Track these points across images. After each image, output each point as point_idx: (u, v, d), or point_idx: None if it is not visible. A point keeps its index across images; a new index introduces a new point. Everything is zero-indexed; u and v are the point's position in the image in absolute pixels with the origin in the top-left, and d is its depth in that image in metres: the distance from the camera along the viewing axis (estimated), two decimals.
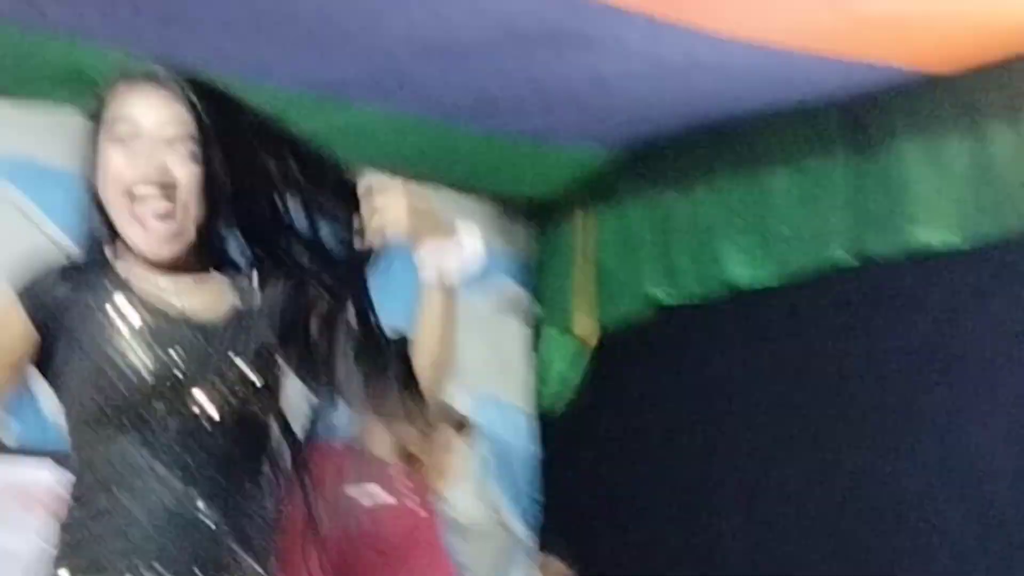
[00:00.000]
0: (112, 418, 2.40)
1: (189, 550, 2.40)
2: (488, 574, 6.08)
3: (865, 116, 5.49)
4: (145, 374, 2.41)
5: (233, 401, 2.45)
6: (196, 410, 2.43)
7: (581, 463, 6.38)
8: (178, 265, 2.49)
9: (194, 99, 2.44)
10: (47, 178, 4.97)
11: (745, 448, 6.27)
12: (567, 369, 6.28)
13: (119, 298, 2.46)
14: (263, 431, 2.50)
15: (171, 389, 2.42)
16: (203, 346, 2.45)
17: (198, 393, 2.43)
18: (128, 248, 2.49)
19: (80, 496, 2.44)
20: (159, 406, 2.41)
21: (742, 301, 5.87)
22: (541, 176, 5.98)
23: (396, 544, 4.91)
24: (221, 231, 2.50)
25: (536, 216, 6.32)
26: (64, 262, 2.50)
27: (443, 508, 5.30)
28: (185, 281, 2.51)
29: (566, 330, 6.24)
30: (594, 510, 6.37)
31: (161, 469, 2.40)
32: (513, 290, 6.29)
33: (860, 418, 6.01)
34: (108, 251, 2.51)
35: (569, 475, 6.29)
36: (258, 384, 2.47)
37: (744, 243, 5.77)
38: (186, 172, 2.43)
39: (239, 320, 2.50)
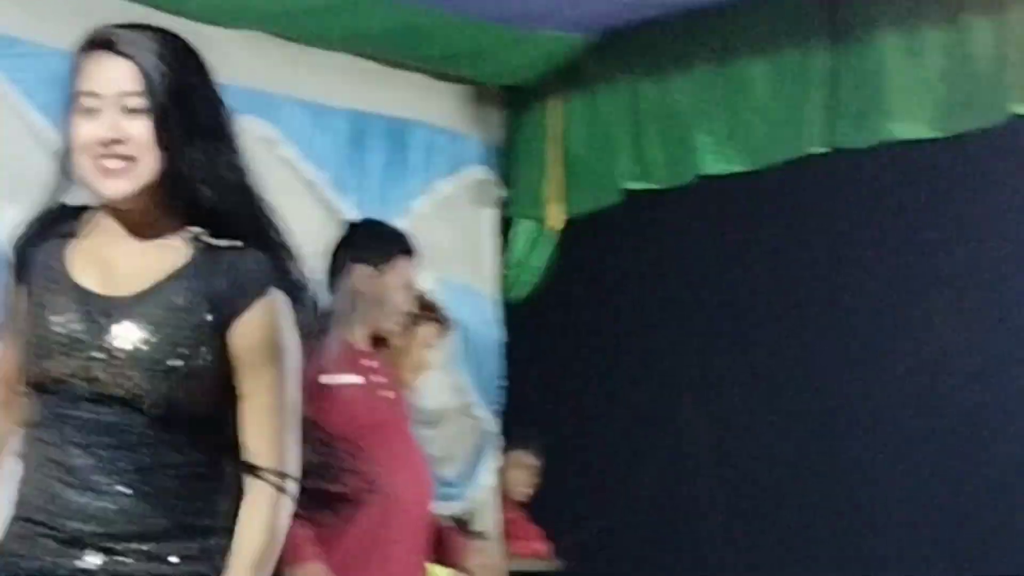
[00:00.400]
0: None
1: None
2: (456, 461, 6.10)
3: (844, 7, 5.46)
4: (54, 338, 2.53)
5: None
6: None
7: (546, 349, 6.40)
8: (141, 230, 2.57)
9: (139, 52, 2.52)
10: (23, 55, 4.95)
11: (710, 334, 6.30)
12: (534, 255, 6.28)
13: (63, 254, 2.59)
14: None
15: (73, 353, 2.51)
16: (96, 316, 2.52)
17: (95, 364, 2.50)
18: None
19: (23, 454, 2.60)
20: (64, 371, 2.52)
21: (710, 188, 5.86)
22: (514, 62, 5.93)
23: (362, 423, 4.92)
24: (188, 186, 2.53)
25: (508, 102, 6.28)
26: (44, 214, 2.62)
27: (412, 396, 5.31)
28: (138, 247, 2.57)
29: (535, 216, 6.23)
30: (558, 396, 6.40)
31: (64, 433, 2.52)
32: (483, 176, 6.26)
33: (826, 304, 6.05)
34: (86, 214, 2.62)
35: (534, 361, 6.30)
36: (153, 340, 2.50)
37: (717, 131, 5.76)
38: (136, 125, 2.51)
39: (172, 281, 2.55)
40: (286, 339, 2.57)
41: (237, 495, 2.56)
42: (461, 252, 6.09)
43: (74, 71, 2.56)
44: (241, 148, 2.61)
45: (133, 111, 2.51)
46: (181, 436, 2.51)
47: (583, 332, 6.45)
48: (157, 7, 5.08)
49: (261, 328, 2.54)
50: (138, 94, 2.50)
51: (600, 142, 6.06)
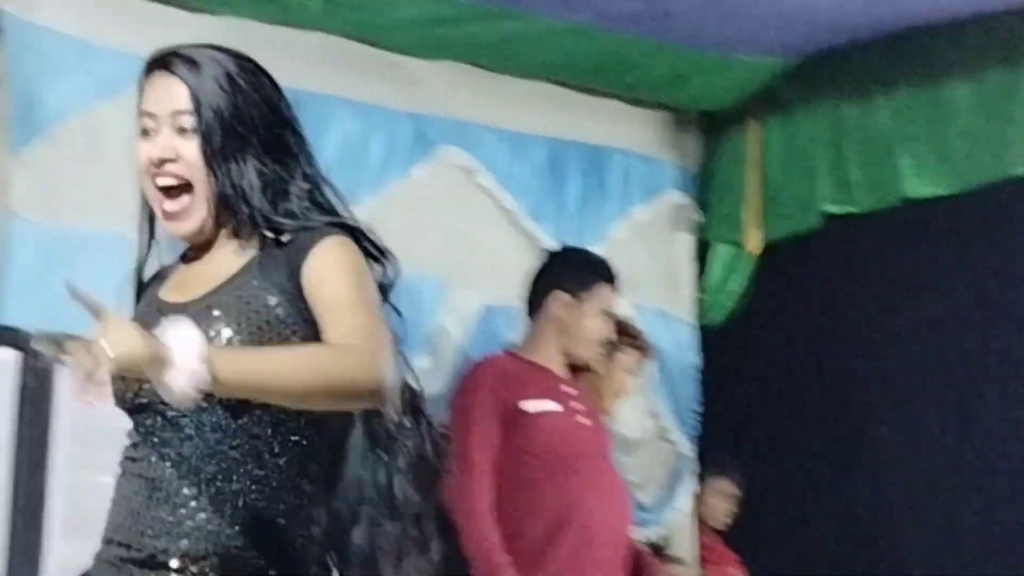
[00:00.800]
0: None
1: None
2: (652, 486, 6.07)
3: None
4: None
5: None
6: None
7: (742, 375, 6.34)
8: (212, 244, 2.55)
9: (192, 72, 2.50)
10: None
11: (911, 360, 6.19)
12: (731, 280, 6.24)
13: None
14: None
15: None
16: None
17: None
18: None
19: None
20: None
21: (912, 211, 5.78)
22: (714, 87, 5.90)
23: (560, 451, 4.93)
24: (247, 200, 2.51)
25: (705, 127, 6.24)
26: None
27: (610, 422, 5.31)
28: (213, 258, 2.55)
29: (732, 241, 6.19)
30: (753, 422, 6.34)
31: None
32: (680, 201, 6.24)
33: None
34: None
35: (730, 386, 6.26)
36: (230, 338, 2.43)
37: (921, 154, 5.67)
38: (189, 145, 2.50)
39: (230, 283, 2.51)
40: (356, 267, 2.48)
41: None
42: (657, 277, 6.07)
43: (138, 94, 2.56)
44: (313, 167, 2.57)
45: (185, 131, 2.49)
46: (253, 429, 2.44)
47: (780, 357, 6.37)
48: (362, 41, 5.19)
49: (321, 263, 2.46)
50: (189, 113, 2.49)
51: (799, 166, 6.00)
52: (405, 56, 5.32)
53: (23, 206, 4.69)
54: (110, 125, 4.79)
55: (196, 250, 2.58)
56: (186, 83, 2.49)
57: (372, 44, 5.23)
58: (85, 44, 4.82)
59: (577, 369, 5.15)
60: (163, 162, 2.49)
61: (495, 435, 4.90)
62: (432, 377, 5.34)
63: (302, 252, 2.47)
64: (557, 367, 5.06)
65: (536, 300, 5.11)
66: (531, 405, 4.97)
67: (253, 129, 2.50)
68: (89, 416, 4.58)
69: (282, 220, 2.50)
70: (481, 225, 5.58)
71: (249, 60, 2.57)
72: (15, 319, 4.46)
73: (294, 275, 2.46)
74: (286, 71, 4.98)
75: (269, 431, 2.45)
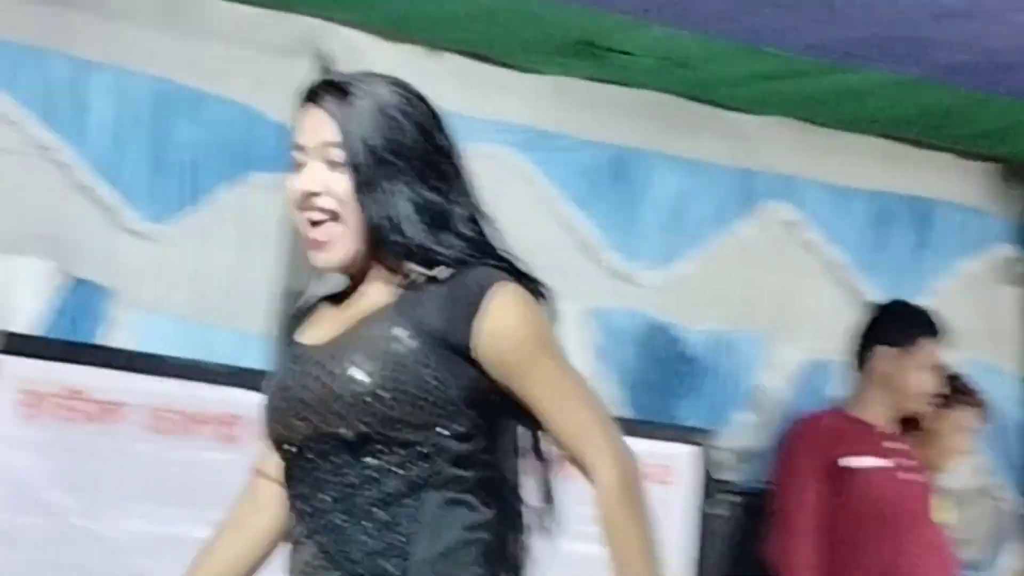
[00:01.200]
0: None
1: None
2: (978, 543, 5.95)
3: None
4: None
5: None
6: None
7: None
8: (358, 281, 2.47)
9: (341, 104, 2.42)
10: (556, 147, 5.12)
11: None
12: None
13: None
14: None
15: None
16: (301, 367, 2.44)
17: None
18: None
19: None
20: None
21: None
22: None
23: (884, 508, 4.87)
24: (400, 230, 2.41)
25: None
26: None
27: (939, 479, 5.22)
28: (356, 297, 2.48)
29: None
30: None
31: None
32: (1009, 254, 6.10)
33: None
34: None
35: None
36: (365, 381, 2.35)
37: None
38: (337, 178, 2.42)
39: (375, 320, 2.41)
40: (539, 323, 2.39)
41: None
42: (984, 331, 5.93)
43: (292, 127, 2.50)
44: (470, 197, 2.46)
45: (335, 164, 2.42)
46: (376, 466, 2.36)
47: None
48: (690, 98, 5.22)
49: (506, 328, 2.36)
50: (337, 145, 2.42)
51: None
52: (734, 112, 5.33)
53: None
54: None
55: (349, 286, 2.50)
56: (334, 116, 2.42)
57: (700, 100, 5.26)
58: None
59: (909, 426, 5.09)
60: (310, 195, 2.43)
61: (817, 492, 4.89)
62: (755, 433, 5.34)
63: (471, 306, 2.36)
64: (884, 423, 5.01)
65: (862, 355, 5.06)
66: (854, 461, 4.93)
67: (406, 158, 2.41)
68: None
69: (438, 249, 2.40)
70: (804, 280, 5.54)
71: (405, 87, 2.48)
72: None
73: (457, 326, 2.36)
74: (611, 128, 5.14)
75: None
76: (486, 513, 2.37)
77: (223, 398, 4.28)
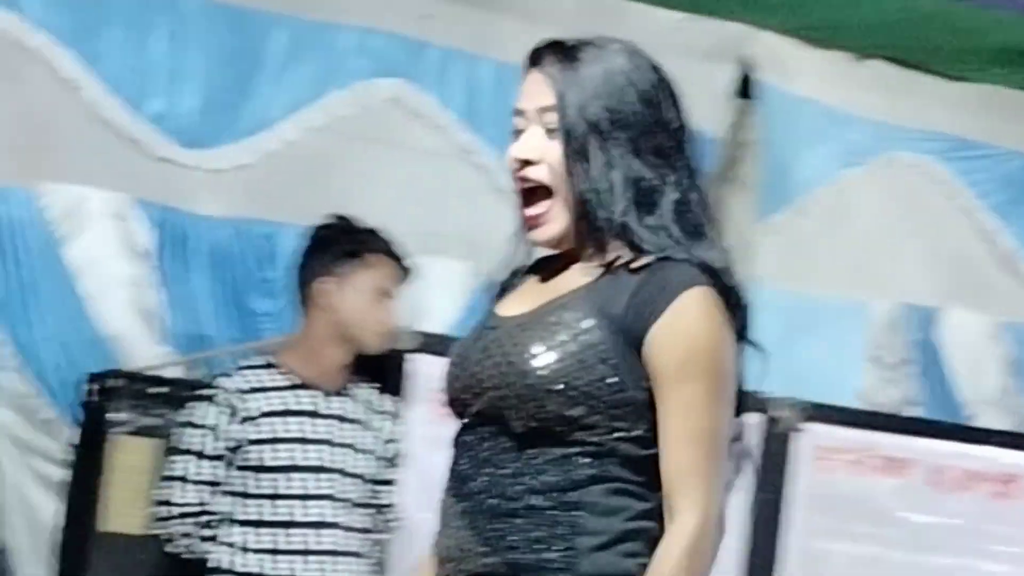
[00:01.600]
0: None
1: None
2: None
3: None
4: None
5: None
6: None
7: None
8: (566, 256, 2.33)
9: (560, 67, 2.28)
10: (978, 156, 5.03)
11: None
12: None
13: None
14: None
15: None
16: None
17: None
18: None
19: None
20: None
21: None
22: None
23: None
24: (605, 204, 2.27)
25: None
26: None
27: None
28: (560, 272, 2.34)
29: None
30: None
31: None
32: None
33: None
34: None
35: None
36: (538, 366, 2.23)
37: None
38: (552, 146, 2.29)
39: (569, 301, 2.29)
40: (712, 345, 2.24)
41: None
42: None
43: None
44: (690, 178, 2.29)
45: (551, 130, 2.29)
46: (543, 458, 2.25)
47: None
48: None
49: (676, 335, 2.22)
50: (552, 109, 2.29)
51: None
52: None
53: (767, 272, 4.76)
54: (856, 194, 4.81)
55: (556, 261, 2.37)
56: (554, 80, 2.29)
57: None
58: (836, 113, 4.86)
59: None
60: (524, 164, 2.31)
61: None
62: None
63: (655, 305, 2.24)
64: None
65: None
66: None
67: (623, 127, 2.27)
68: (824, 484, 4.66)
69: (640, 233, 2.27)
70: None
71: (640, 54, 2.33)
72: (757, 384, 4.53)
73: (641, 322, 2.24)
74: None
75: None
76: (652, 501, 2.26)
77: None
